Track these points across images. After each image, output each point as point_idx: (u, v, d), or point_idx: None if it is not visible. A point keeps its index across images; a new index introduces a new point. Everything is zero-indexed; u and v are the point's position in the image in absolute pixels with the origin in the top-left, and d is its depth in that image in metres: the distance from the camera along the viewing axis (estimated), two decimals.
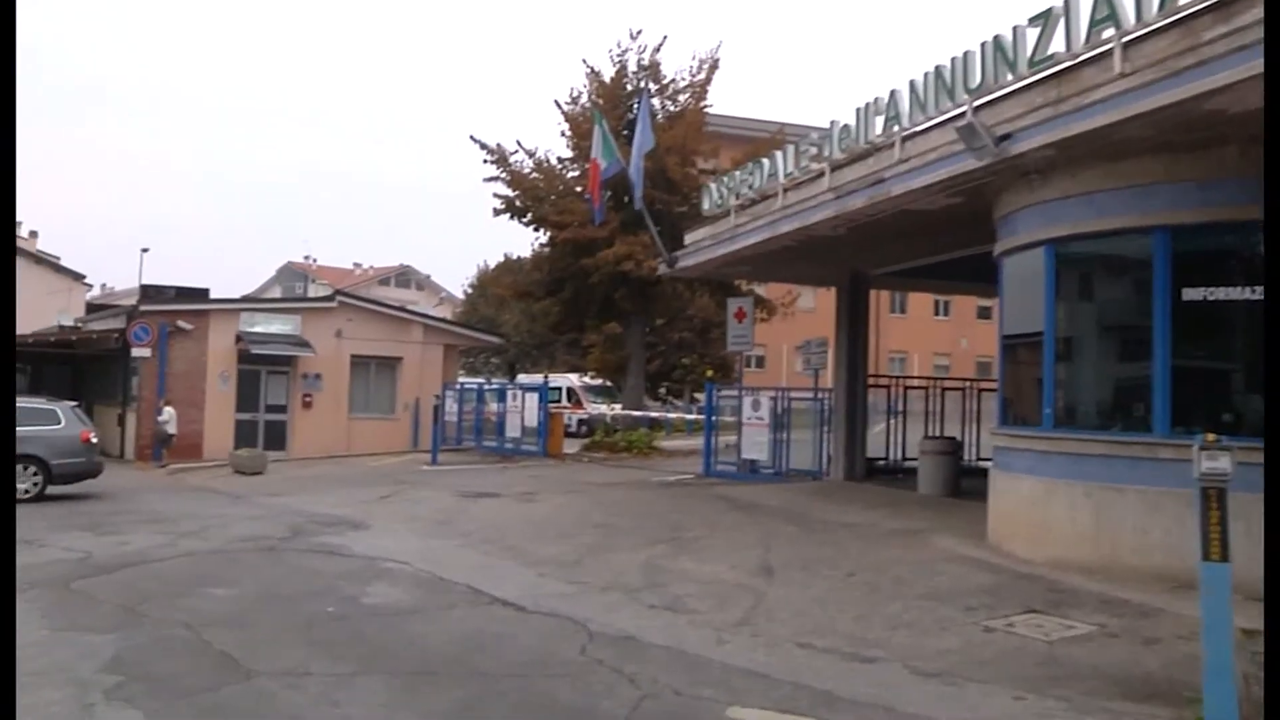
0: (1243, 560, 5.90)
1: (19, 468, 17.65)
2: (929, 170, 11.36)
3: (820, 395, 19.77)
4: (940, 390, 21.59)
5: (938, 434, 19.58)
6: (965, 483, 16.45)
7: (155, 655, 7.55)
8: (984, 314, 54.87)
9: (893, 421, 20.63)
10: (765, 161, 15.99)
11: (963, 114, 10.72)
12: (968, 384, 21.85)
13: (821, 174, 14.17)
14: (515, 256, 37.67)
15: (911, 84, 11.92)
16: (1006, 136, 10.10)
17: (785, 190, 15.29)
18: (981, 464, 18.55)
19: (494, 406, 28.50)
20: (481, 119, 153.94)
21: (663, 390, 48.74)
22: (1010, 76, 10.28)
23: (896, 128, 12.35)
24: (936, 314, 58.18)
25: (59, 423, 18.23)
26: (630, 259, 25.97)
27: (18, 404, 18.58)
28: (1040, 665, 7.19)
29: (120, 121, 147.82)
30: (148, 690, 6.68)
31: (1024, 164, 10.38)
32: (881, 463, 20.08)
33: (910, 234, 14.47)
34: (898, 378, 22.06)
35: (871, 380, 20.06)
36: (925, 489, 16.46)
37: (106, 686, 6.74)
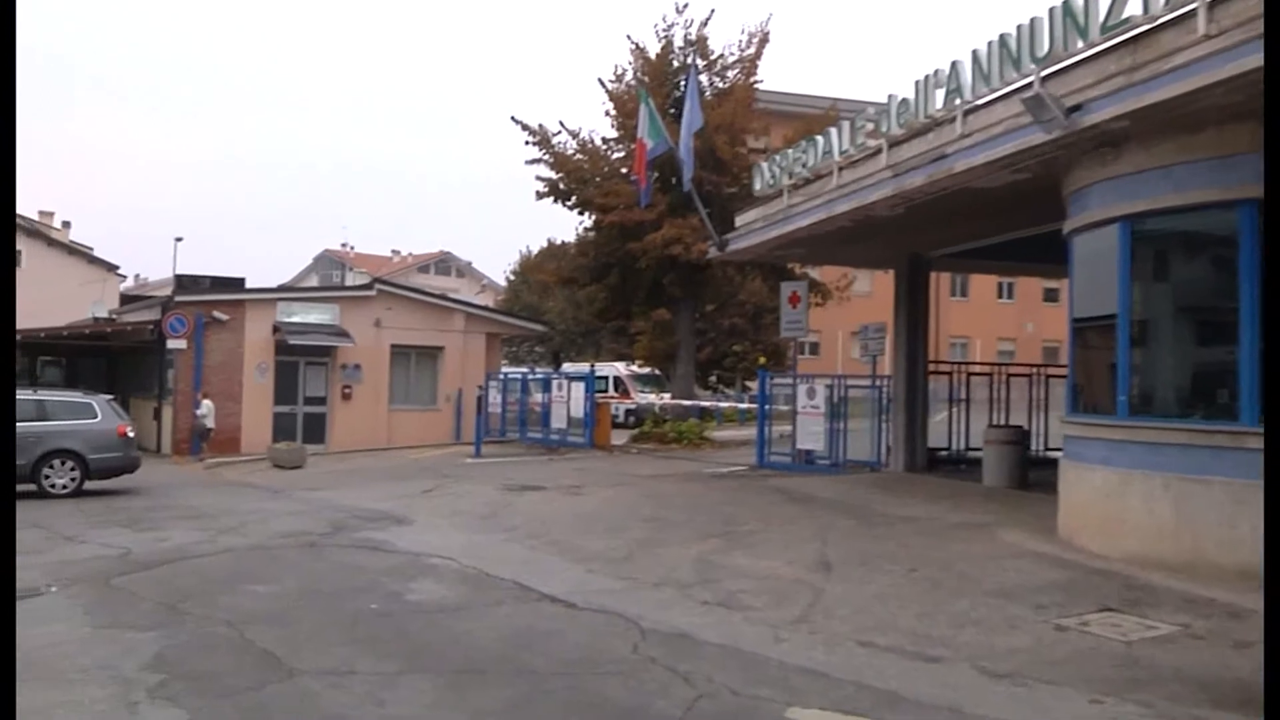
0: None
1: (56, 462, 18.03)
2: (993, 145, 11.21)
3: (878, 383, 19.64)
4: (1005, 377, 21.35)
5: (1003, 423, 19.38)
6: (1033, 474, 16.27)
7: (197, 653, 7.67)
8: (1051, 296, 54.19)
9: (955, 410, 20.44)
10: (819, 139, 15.88)
11: (1029, 85, 10.56)
12: (1034, 370, 21.59)
13: (878, 151, 14.04)
14: (559, 241, 37.77)
15: (974, 54, 11.76)
16: (1077, 107, 9.92)
17: (840, 169, 15.17)
18: (1050, 454, 18.32)
19: (538, 397, 28.60)
20: (523, 99, 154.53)
21: (713, 379, 48.69)
22: (1081, 43, 10.10)
23: (958, 101, 12.20)
24: (1000, 297, 57.51)
25: (95, 416, 18.55)
26: (679, 242, 25.93)
27: (55, 397, 19.01)
28: (1118, 667, 7.07)
29: (153, 109, 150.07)
30: (191, 689, 6.79)
31: (1095, 136, 10.20)
32: (943, 453, 19.91)
33: (973, 213, 14.30)
34: (960, 364, 21.82)
35: (932, 367, 19.89)
36: (990, 481, 16.30)
37: (150, 685, 6.86)
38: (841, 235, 16.31)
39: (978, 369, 22.09)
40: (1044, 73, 10.41)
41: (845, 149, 15.03)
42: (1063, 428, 11.98)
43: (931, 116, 12.84)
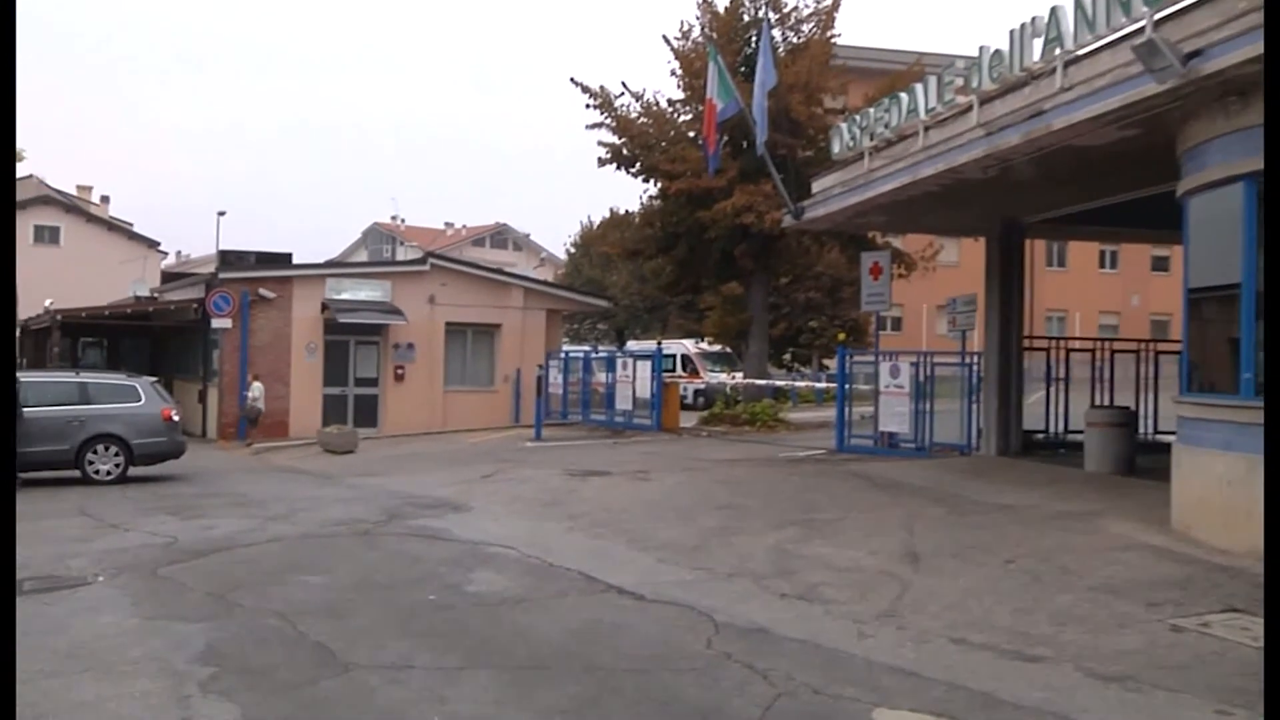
0: None
1: (99, 447, 18.44)
2: (1098, 98, 10.94)
3: (968, 360, 19.41)
4: (1109, 353, 20.97)
5: (1107, 403, 19.04)
6: (1141, 459, 15.96)
7: (249, 646, 7.79)
8: (1160, 265, 53.16)
9: (1052, 389, 20.13)
10: (903, 96, 15.66)
11: (1140, 30, 10.27)
12: (1142, 346, 21.16)
13: (969, 108, 13.81)
14: (623, 211, 37.68)
15: None
16: (1196, 53, 9.62)
17: (926, 128, 14.96)
18: (1161, 438, 17.99)
19: (602, 377, 28.67)
20: (582, 61, 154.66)
21: (788, 356, 48.55)
22: None
23: (1058, 51, 11.93)
24: (1102, 266, 56.50)
25: (139, 400, 18.91)
26: (751, 211, 25.78)
27: (97, 380, 19.42)
28: (1248, 675, 6.74)
29: (191, 78, 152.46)
30: (243, 683, 6.90)
31: (1218, 85, 9.88)
32: (1040, 436, 19.63)
33: (1073, 174, 14.03)
34: (1058, 339, 21.48)
35: (1027, 342, 19.60)
36: (1093, 466, 16.02)
37: (201, 678, 6.99)
38: (927, 201, 16.10)
39: (1078, 345, 21.72)
40: (1158, 15, 10.12)
41: (932, 107, 14.81)
42: (1176, 409, 11.71)
43: (1028, 69, 12.58)
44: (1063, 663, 7.11)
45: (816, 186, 18.99)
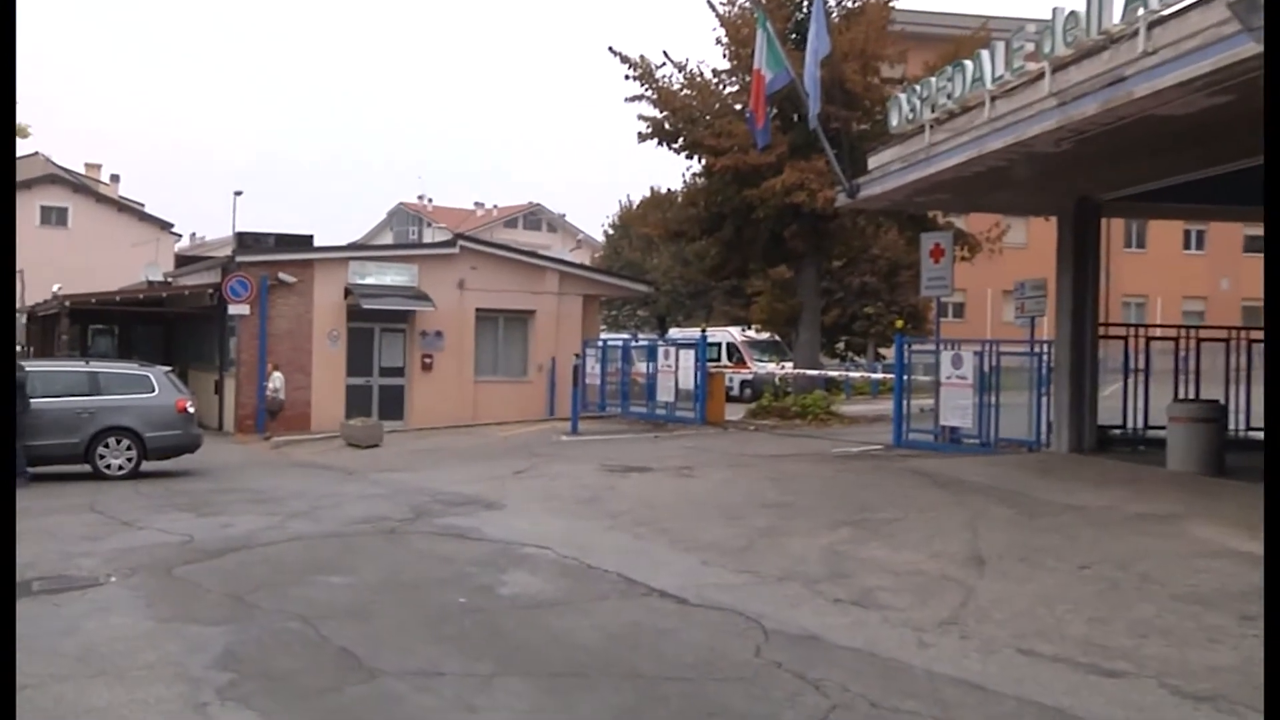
0: None
1: (111, 441, 18.61)
2: (1187, 62, 10.76)
3: (1037, 349, 19.26)
4: (1195, 342, 20.70)
5: (1192, 397, 18.81)
6: (1231, 458, 15.74)
7: (269, 650, 7.86)
8: (1253, 246, 52.30)
9: (1130, 381, 19.92)
10: (967, 64, 15.51)
11: None
12: (1232, 334, 20.84)
13: (1040, 76, 13.64)
14: (664, 190, 37.71)
15: None
16: None
17: (994, 98, 14.80)
18: (1254, 434, 17.75)
19: (642, 366, 28.73)
20: (621, 29, 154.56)
21: (842, 345, 48.42)
22: None
23: (1141, 11, 11.74)
24: (1187, 247, 55.80)
25: (153, 390, 19.07)
26: (802, 189, 25.68)
27: (109, 370, 19.61)
28: None
29: (205, 52, 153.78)
30: (263, 689, 6.96)
31: None
32: (1117, 432, 19.44)
33: (1156, 146, 13.83)
34: (1137, 326, 21.23)
35: (1103, 330, 19.39)
36: (1176, 465, 15.82)
37: (219, 684, 7.05)
38: (994, 177, 15.96)
39: (1159, 333, 21.46)
40: None
41: (999, 75, 14.65)
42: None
43: (1107, 32, 12.40)
44: (1144, 678, 7.02)
45: (873, 162, 18.86)
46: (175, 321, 35.42)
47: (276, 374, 26.73)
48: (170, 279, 36.45)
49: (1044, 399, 18.71)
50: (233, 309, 27.55)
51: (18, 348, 32.76)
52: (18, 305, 38.83)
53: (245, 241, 31.53)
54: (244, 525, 13.39)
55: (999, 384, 19.14)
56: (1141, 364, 20.14)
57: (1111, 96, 11.81)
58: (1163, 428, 17.07)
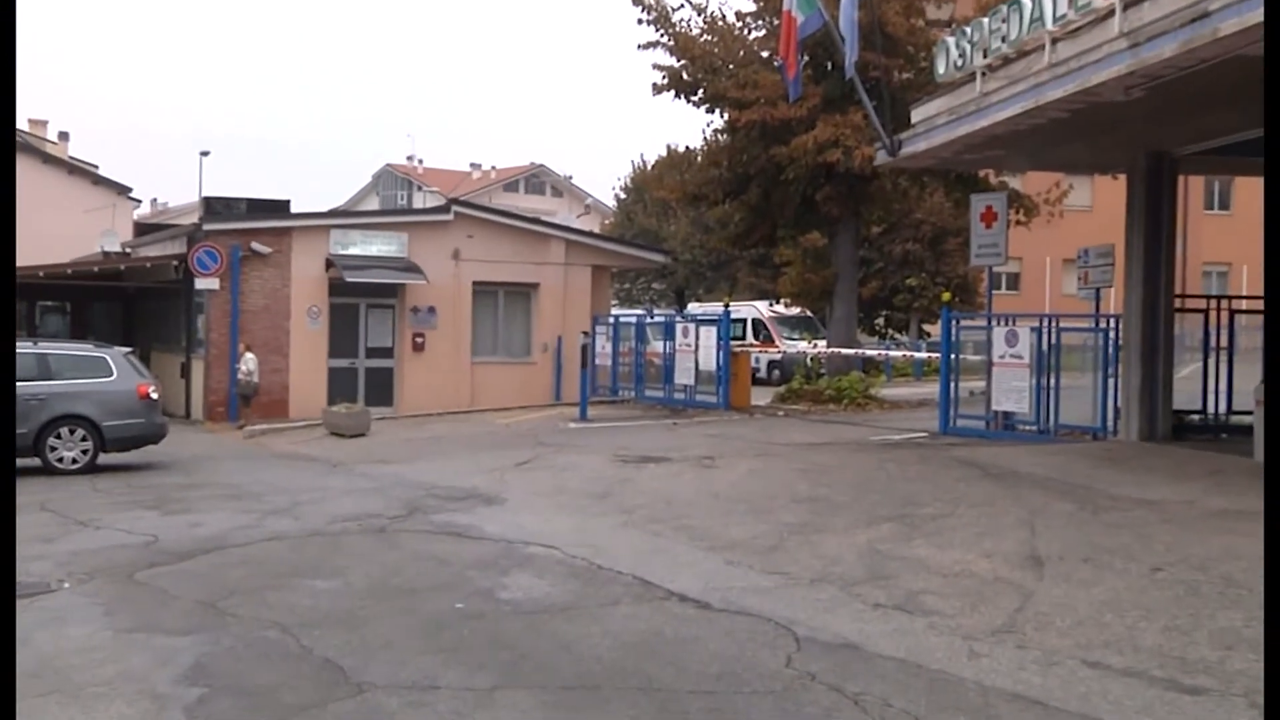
0: None
1: (64, 431, 18.55)
2: None
3: (1103, 324, 19.18)
4: None
5: None
6: None
7: (244, 663, 7.88)
8: None
9: (1211, 360, 19.83)
10: (1025, 3, 15.43)
11: None
12: None
13: (1109, 13, 13.54)
14: (683, 148, 37.64)
15: None
16: None
17: (1054, 41, 14.74)
18: None
19: (658, 346, 28.72)
20: None
21: (881, 321, 48.39)
22: None
23: None
24: None
25: (110, 374, 19.01)
26: (837, 146, 25.63)
27: (61, 351, 19.57)
28: None
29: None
30: (237, 706, 6.98)
31: None
32: (1195, 418, 19.34)
33: (1242, 93, 13.68)
34: (1219, 298, 21.10)
35: (1179, 303, 19.30)
36: (1264, 455, 15.77)
37: (188, 701, 7.07)
38: (1054, 131, 15.90)
39: (1245, 305, 21.34)
40: None
41: (1062, 15, 14.56)
42: None
43: None
44: (1231, 696, 6.99)
45: (917, 115, 18.83)
46: (135, 297, 35.46)
47: (249, 355, 26.75)
48: (129, 250, 36.44)
49: (1111, 381, 18.64)
50: (200, 283, 27.56)
51: None
52: None
53: (214, 207, 31.54)
54: (216, 524, 13.42)
55: (1059, 364, 19.08)
56: (1224, 341, 20.01)
57: (1193, 35, 11.71)
58: (1248, 413, 16.98)
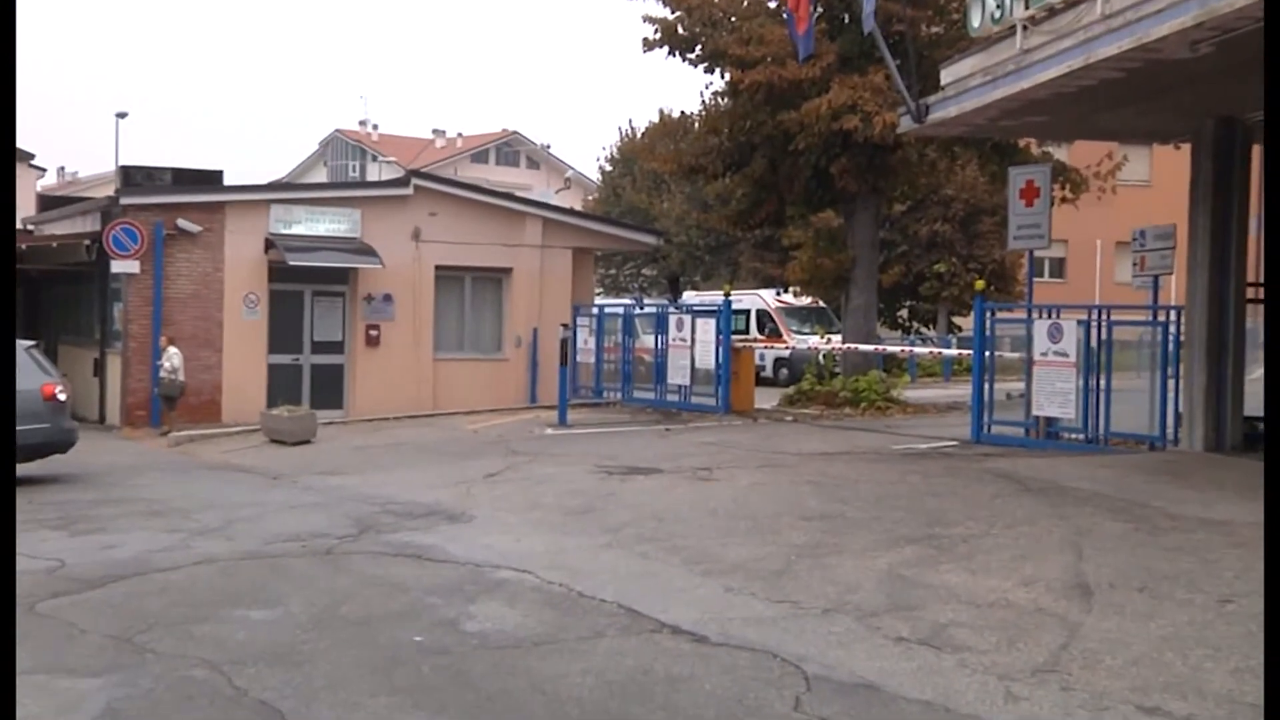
0: None
1: None
2: None
3: (1162, 317, 19.20)
4: None
5: None
6: None
7: (165, 708, 7.82)
8: None
9: None
10: None
11: None
12: None
13: None
14: (677, 114, 37.53)
15: None
16: None
17: None
18: None
19: (649, 340, 28.70)
20: None
21: (905, 313, 48.47)
22: None
23: None
24: None
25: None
26: (855, 111, 25.64)
27: None
28: None
29: None
30: None
31: None
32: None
33: None
34: None
35: (1253, 292, 19.30)
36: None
37: None
38: (1107, 93, 15.93)
39: None
40: None
41: None
42: None
43: None
44: None
45: (947, 76, 18.83)
46: (39, 282, 35.25)
47: (172, 350, 26.49)
48: (32, 227, 36.25)
49: (1171, 382, 18.65)
50: (117, 266, 27.39)
51: None
52: None
53: (133, 178, 31.22)
54: (135, 545, 13.34)
55: (1110, 363, 19.11)
56: None
57: None
58: None
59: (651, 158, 36.10)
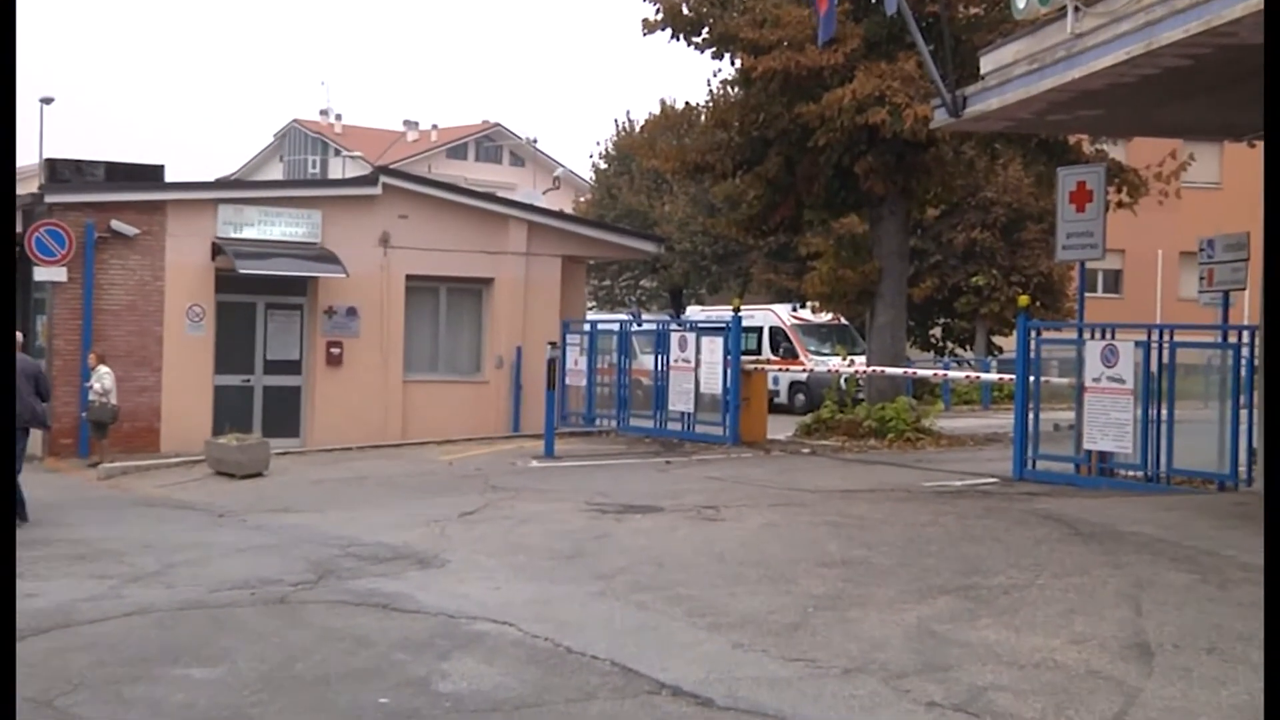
0: None
1: None
2: None
3: (1233, 338, 19.22)
4: None
5: None
6: None
7: None
8: None
9: None
10: None
11: None
12: None
13: None
14: (681, 105, 37.58)
15: None
16: None
17: None
18: None
19: (647, 361, 28.68)
20: None
21: (939, 331, 48.48)
22: None
23: None
24: None
25: None
26: (882, 103, 25.68)
27: None
28: None
29: None
30: None
31: None
32: None
33: None
34: None
35: None
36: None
37: None
38: (1170, 83, 16.00)
39: None
40: None
41: None
42: None
43: None
44: None
45: (987, 64, 18.84)
46: None
47: (104, 369, 26.40)
48: None
49: (1243, 413, 18.63)
50: (41, 273, 27.35)
51: None
52: None
53: (60, 173, 31.19)
54: (57, 594, 13.27)
55: (1173, 390, 19.07)
56: None
57: None
58: None
59: (651, 154, 36.05)
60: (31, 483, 23.38)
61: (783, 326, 42.80)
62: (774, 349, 41.78)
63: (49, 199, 28.30)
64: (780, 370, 38.23)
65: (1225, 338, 19.38)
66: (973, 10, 26.42)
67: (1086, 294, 22.05)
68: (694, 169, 32.13)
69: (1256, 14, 12.99)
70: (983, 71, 18.86)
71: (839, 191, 28.96)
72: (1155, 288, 49.67)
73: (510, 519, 17.60)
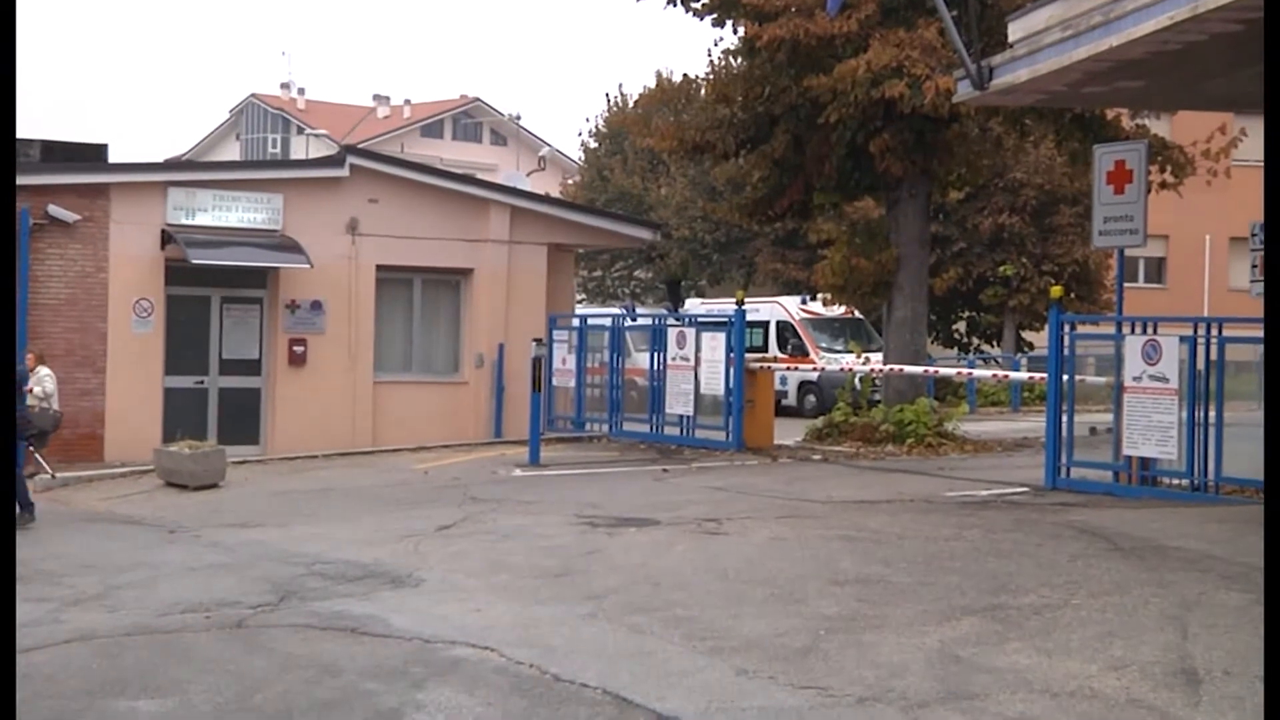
0: None
1: None
2: None
3: None
4: None
5: None
6: None
7: None
8: None
9: None
10: None
11: None
12: None
13: None
14: (679, 78, 37.57)
15: None
16: None
17: None
18: None
19: (643, 360, 28.68)
20: None
21: (963, 326, 48.51)
22: None
23: None
24: None
25: None
26: (900, 75, 25.71)
27: None
28: None
29: None
30: None
31: None
32: None
33: None
34: None
35: None
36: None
37: None
38: (1219, 51, 16.03)
39: None
40: None
41: None
42: None
43: None
44: None
45: (1016, 30, 18.86)
46: None
47: (43, 371, 26.34)
48: None
49: None
50: None
51: None
52: None
53: None
54: None
55: (1222, 390, 19.11)
56: None
57: None
58: None
59: (647, 132, 36.10)
60: None
61: (791, 321, 42.78)
62: (781, 346, 41.79)
63: None
64: (788, 369, 38.22)
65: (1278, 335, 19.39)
66: None
67: (1126, 284, 22.04)
68: (693, 148, 32.12)
69: None
70: (1011, 39, 18.87)
71: (852, 172, 28.98)
72: (1202, 277, 49.71)
73: (492, 534, 17.60)
